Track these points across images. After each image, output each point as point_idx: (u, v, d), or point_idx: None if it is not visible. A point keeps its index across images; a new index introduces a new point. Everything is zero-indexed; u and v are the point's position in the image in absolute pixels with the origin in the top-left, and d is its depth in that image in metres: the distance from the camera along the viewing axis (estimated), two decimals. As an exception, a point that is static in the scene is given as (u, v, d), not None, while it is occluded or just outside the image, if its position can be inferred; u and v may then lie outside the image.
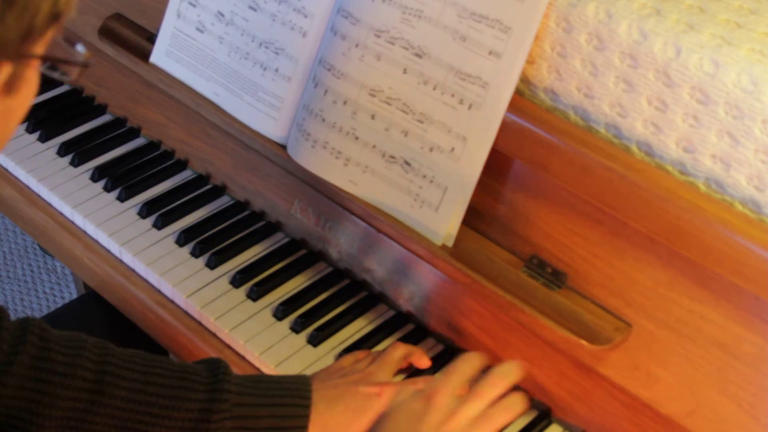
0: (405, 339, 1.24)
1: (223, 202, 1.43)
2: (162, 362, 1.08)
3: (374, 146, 1.21)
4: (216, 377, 1.07)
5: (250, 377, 1.11)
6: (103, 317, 1.42)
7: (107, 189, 1.44)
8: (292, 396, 1.08)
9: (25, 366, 1.01)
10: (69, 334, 1.06)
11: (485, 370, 1.11)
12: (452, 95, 1.15)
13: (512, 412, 1.10)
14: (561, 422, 1.16)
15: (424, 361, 1.19)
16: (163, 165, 1.48)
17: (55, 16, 0.70)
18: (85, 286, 1.58)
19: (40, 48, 0.71)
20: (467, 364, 1.11)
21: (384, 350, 1.19)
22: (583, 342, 1.08)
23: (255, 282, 1.30)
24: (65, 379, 1.02)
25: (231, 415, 1.05)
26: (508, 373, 1.10)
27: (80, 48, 0.76)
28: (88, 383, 1.03)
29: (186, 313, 1.29)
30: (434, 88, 1.16)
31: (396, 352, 1.18)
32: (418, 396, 1.06)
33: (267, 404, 1.07)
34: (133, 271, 1.34)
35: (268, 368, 1.20)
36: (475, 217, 1.19)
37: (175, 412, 1.04)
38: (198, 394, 1.05)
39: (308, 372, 1.19)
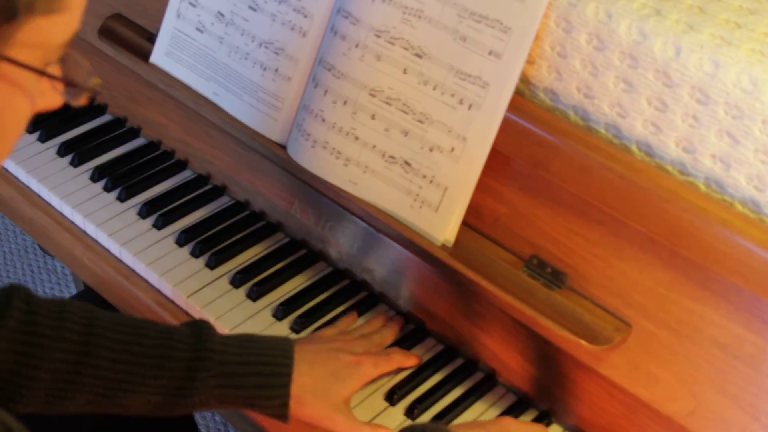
0: (405, 339, 1.25)
1: (223, 202, 1.43)
2: (148, 324, 1.10)
3: (374, 146, 1.21)
4: (201, 337, 1.09)
5: (234, 337, 1.13)
6: None
7: (107, 189, 1.44)
8: (275, 356, 1.10)
9: (11, 330, 1.03)
10: (54, 299, 1.09)
11: None
12: (452, 95, 1.15)
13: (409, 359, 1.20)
14: (561, 422, 1.16)
15: (409, 360, 1.22)
16: (163, 165, 1.48)
17: (10, 12, 0.68)
18: (85, 285, 1.58)
19: (12, 50, 0.70)
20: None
21: (366, 324, 1.24)
22: (583, 342, 1.08)
23: (255, 282, 1.30)
24: (52, 342, 1.04)
25: (215, 373, 1.07)
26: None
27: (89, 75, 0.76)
28: (74, 345, 1.05)
29: (186, 313, 1.29)
30: (434, 88, 1.16)
31: (376, 326, 1.24)
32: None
33: (251, 362, 1.09)
34: (133, 271, 1.34)
35: (268, 368, 1.20)
36: (475, 217, 1.19)
37: (160, 371, 1.07)
38: (183, 353, 1.07)
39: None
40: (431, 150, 1.17)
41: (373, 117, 1.21)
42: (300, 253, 1.35)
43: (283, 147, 1.30)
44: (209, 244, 1.35)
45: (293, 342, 1.13)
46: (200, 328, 1.10)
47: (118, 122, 1.56)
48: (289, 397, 1.09)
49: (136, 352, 1.07)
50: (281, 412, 1.10)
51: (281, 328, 1.25)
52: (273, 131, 1.31)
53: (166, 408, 1.08)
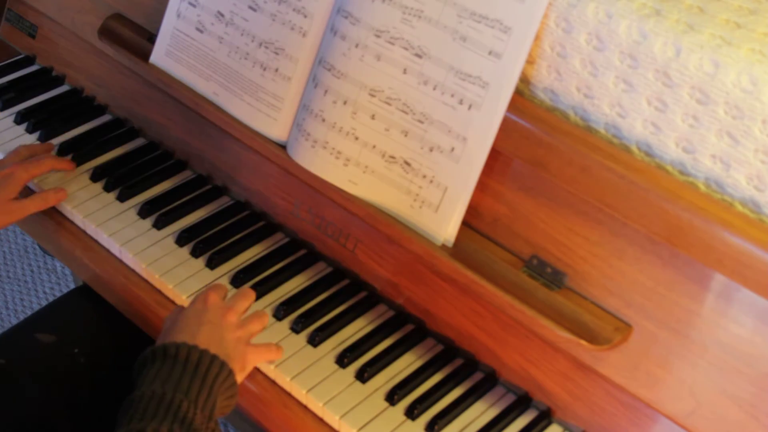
0: (405, 339, 1.25)
1: (223, 202, 1.43)
2: None
3: (374, 146, 1.21)
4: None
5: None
6: (95, 312, 1.43)
7: (107, 189, 1.44)
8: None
9: None
10: None
11: None
12: (452, 95, 1.15)
13: (262, 321, 1.19)
14: (561, 422, 1.16)
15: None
16: (163, 165, 1.48)
17: None
18: (85, 285, 1.58)
19: None
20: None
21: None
22: (583, 342, 1.08)
23: (255, 282, 1.30)
24: None
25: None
26: (249, 292, 1.21)
27: None
28: None
29: (186, 313, 1.29)
30: (434, 88, 1.16)
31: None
32: (198, 299, 1.16)
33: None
34: (133, 271, 1.34)
35: (268, 368, 1.20)
36: (475, 217, 1.19)
37: None
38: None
39: (309, 372, 1.20)
40: (431, 150, 1.17)
41: (373, 117, 1.21)
42: (300, 253, 1.35)
43: (283, 147, 1.30)
44: (209, 244, 1.35)
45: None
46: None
47: (119, 122, 1.56)
48: None
49: None
50: None
51: (281, 328, 1.25)
52: (273, 131, 1.31)
53: None
